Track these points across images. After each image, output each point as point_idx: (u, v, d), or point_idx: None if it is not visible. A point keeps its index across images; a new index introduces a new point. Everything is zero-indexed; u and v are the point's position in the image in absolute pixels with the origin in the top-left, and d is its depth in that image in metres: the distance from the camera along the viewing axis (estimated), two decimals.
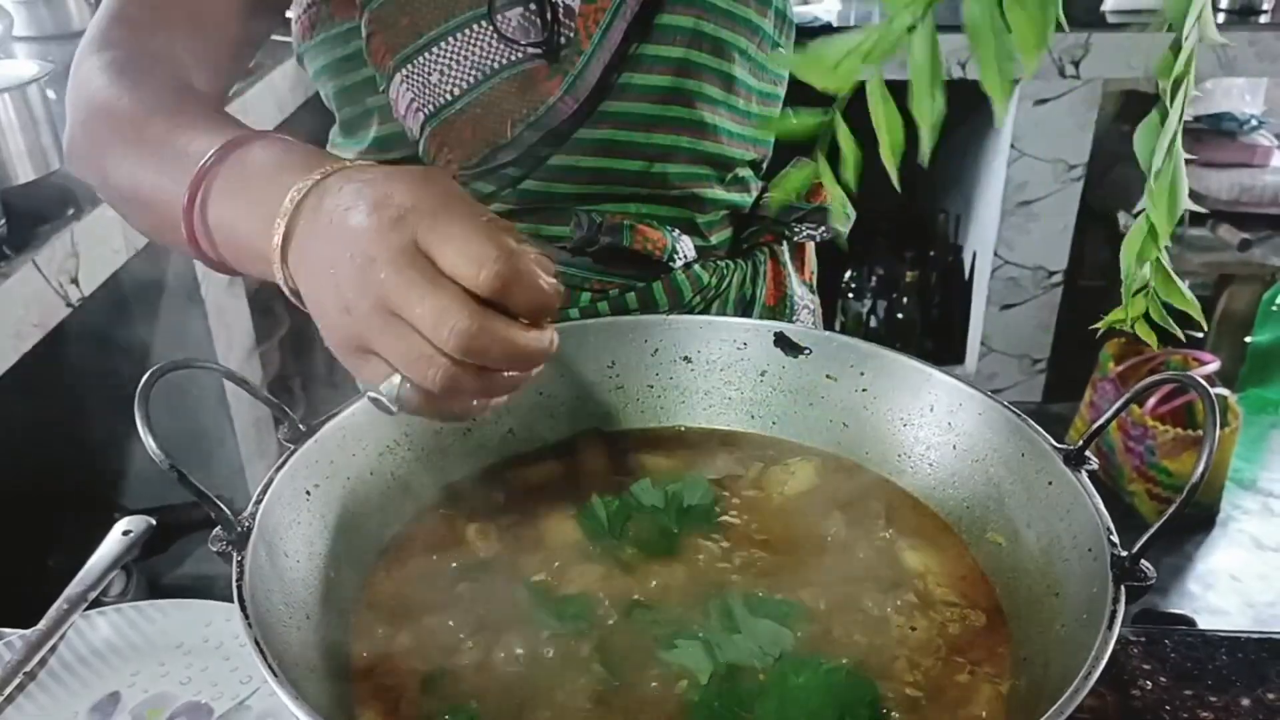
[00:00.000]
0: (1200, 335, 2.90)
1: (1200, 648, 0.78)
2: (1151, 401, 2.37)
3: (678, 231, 0.92)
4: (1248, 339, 2.78)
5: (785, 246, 1.02)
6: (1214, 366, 2.41)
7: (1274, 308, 2.69)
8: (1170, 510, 0.52)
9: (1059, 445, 0.63)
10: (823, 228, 1.00)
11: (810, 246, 1.07)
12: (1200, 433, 2.35)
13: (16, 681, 0.80)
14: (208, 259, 0.68)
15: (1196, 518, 2.46)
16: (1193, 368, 2.44)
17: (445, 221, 0.53)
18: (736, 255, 0.99)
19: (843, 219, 1.02)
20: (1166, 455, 2.35)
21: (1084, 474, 0.61)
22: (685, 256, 0.92)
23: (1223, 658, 0.77)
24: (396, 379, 0.54)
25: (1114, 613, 0.51)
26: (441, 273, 0.52)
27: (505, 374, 0.56)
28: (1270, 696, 0.74)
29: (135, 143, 0.73)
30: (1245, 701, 0.74)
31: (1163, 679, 0.76)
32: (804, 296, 1.05)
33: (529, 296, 0.53)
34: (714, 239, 0.97)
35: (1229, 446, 2.40)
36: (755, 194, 1.01)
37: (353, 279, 0.53)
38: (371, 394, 0.55)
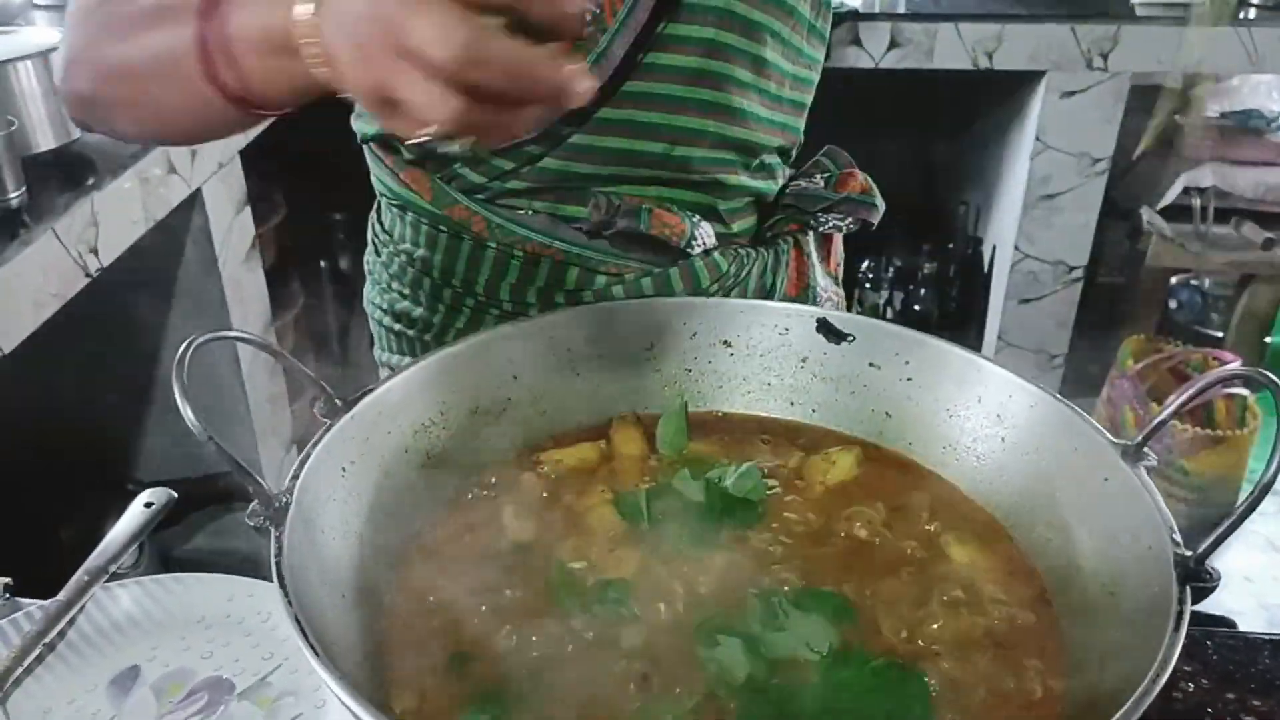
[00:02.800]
0: (1219, 334, 2.89)
1: (1243, 650, 0.77)
2: (1173, 399, 2.35)
3: (698, 217, 0.90)
4: (1267, 339, 2.76)
5: (811, 236, 1.00)
6: (1234, 366, 2.39)
7: None
8: (1239, 510, 0.50)
9: (1116, 440, 0.61)
10: (849, 219, 0.98)
11: (838, 238, 1.05)
12: (1220, 432, 2.33)
13: (36, 653, 0.79)
14: (227, 89, 0.66)
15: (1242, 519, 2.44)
16: (1211, 367, 2.42)
17: None
18: (760, 244, 0.97)
19: (871, 209, 1.01)
20: (1185, 454, 2.33)
21: (1142, 470, 0.59)
22: (704, 243, 0.90)
23: (1266, 660, 0.76)
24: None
25: (1180, 614, 0.49)
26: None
27: (526, 109, 0.53)
28: None
29: (124, 21, 0.72)
30: None
31: (1205, 681, 0.74)
32: (828, 288, 1.03)
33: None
34: (736, 226, 0.95)
35: (1246, 447, 2.39)
36: (782, 181, 0.99)
37: (366, 20, 0.53)
38: (417, 142, 0.53)
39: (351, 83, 0.55)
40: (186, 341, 0.53)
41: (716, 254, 0.91)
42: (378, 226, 1.03)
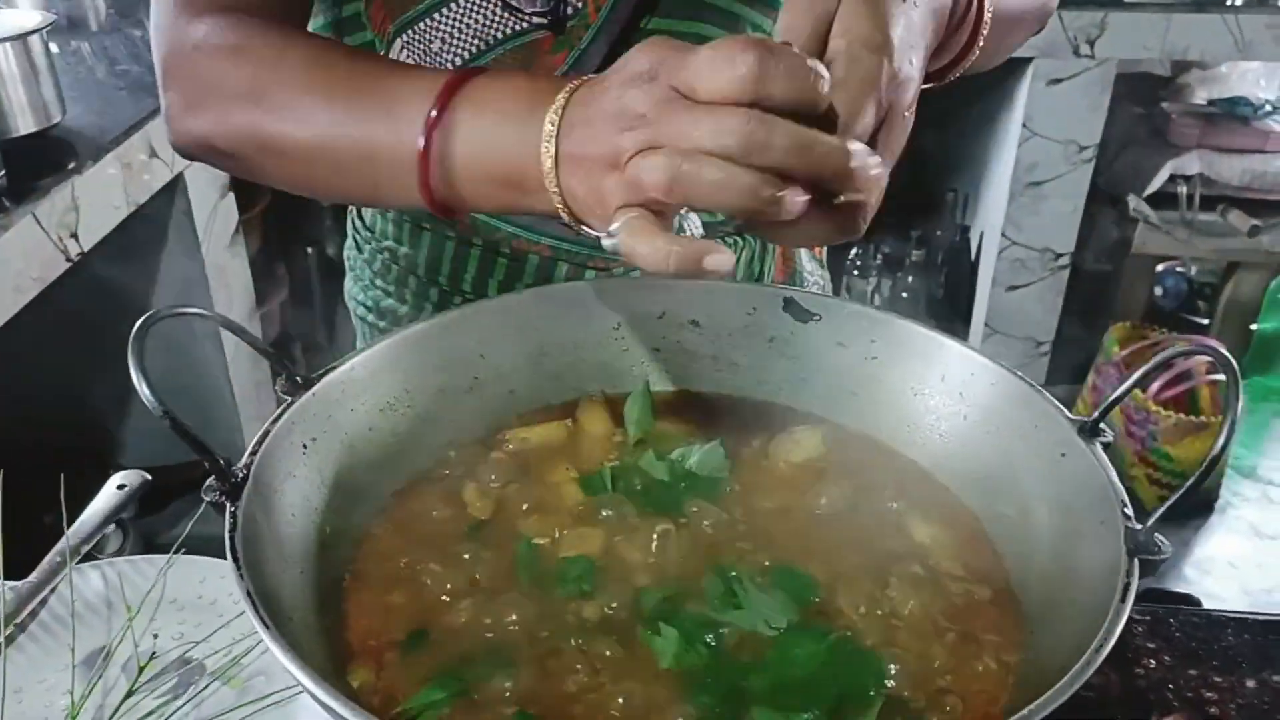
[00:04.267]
0: (1205, 322, 2.89)
1: (1206, 627, 0.77)
2: (1155, 386, 2.36)
3: (685, 208, 0.90)
4: (1253, 326, 2.76)
5: None
6: (1184, 344, 2.39)
7: None
8: (1189, 482, 0.51)
9: (1074, 417, 0.61)
10: None
11: None
12: (1203, 419, 2.34)
13: (7, 633, 0.79)
14: (435, 198, 0.65)
15: (1196, 504, 2.45)
16: None
17: (688, 54, 0.53)
18: (746, 231, 0.96)
19: None
20: (1168, 440, 2.35)
21: (1098, 446, 0.59)
22: (691, 233, 0.89)
23: (1229, 638, 0.77)
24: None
25: (1127, 585, 0.50)
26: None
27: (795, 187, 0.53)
28: (1276, 679, 0.73)
29: (311, 91, 0.68)
30: (1250, 683, 0.73)
31: (1167, 658, 0.75)
32: (814, 273, 1.03)
33: (791, 82, 0.51)
34: (722, 214, 0.95)
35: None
36: None
37: (621, 132, 0.54)
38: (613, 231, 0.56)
39: (597, 194, 0.57)
40: (144, 317, 0.54)
41: None
42: (358, 222, 1.02)
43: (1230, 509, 2.50)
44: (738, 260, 0.93)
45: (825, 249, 1.08)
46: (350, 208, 1.04)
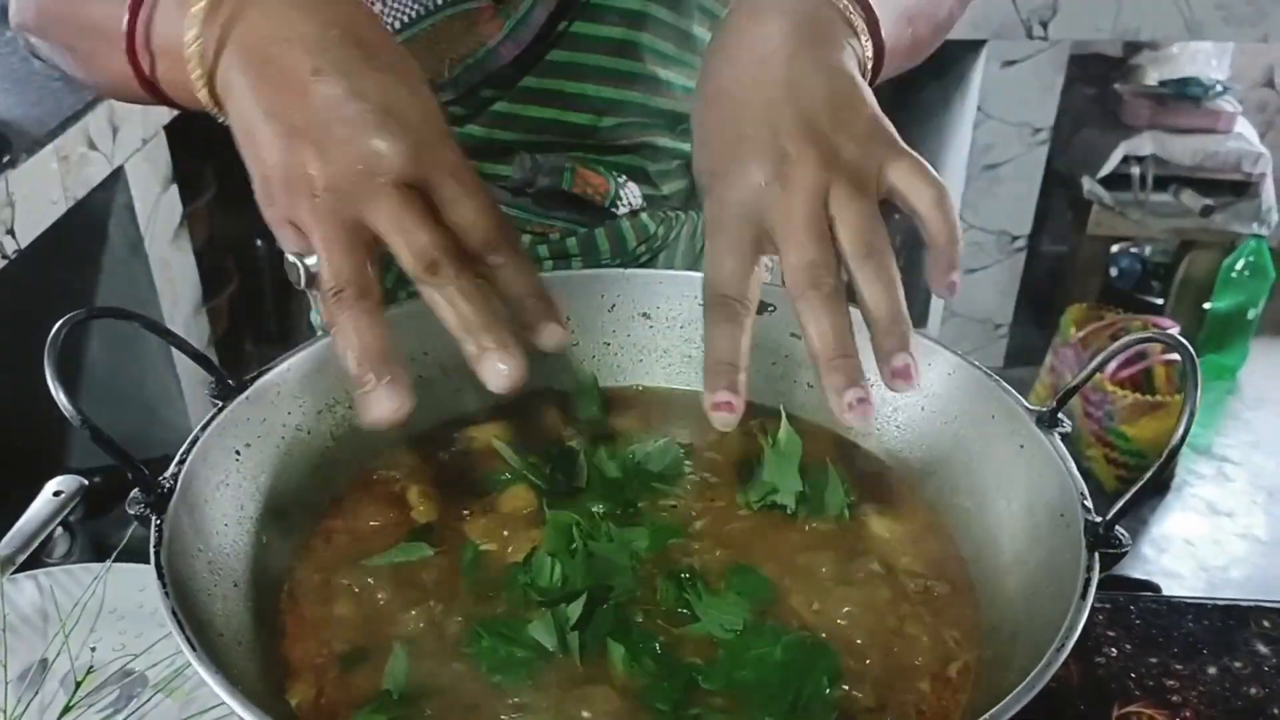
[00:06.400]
0: (1159, 301, 2.92)
1: (1166, 615, 0.77)
2: (1112, 366, 2.37)
3: (624, 178, 0.89)
4: (1206, 305, 2.79)
5: None
6: (1145, 333, 2.42)
7: (1233, 274, 2.71)
8: (1148, 474, 0.50)
9: (1031, 407, 0.60)
10: None
11: None
12: (1159, 398, 2.36)
13: None
14: (143, 78, 0.65)
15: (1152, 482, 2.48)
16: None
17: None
18: (691, 206, 0.95)
19: None
20: (1125, 420, 2.36)
21: (1056, 436, 0.58)
22: (630, 204, 0.89)
23: (1189, 625, 0.76)
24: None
25: (1088, 581, 0.48)
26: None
27: None
28: (1237, 665, 0.73)
29: None
30: (1211, 670, 0.73)
31: (1127, 646, 0.74)
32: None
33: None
34: (666, 189, 0.93)
35: None
36: None
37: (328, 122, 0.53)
38: (291, 259, 0.51)
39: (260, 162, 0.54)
40: (59, 324, 0.51)
41: (644, 215, 0.90)
42: None
43: (1186, 487, 2.53)
44: (677, 234, 0.91)
45: None
46: None
